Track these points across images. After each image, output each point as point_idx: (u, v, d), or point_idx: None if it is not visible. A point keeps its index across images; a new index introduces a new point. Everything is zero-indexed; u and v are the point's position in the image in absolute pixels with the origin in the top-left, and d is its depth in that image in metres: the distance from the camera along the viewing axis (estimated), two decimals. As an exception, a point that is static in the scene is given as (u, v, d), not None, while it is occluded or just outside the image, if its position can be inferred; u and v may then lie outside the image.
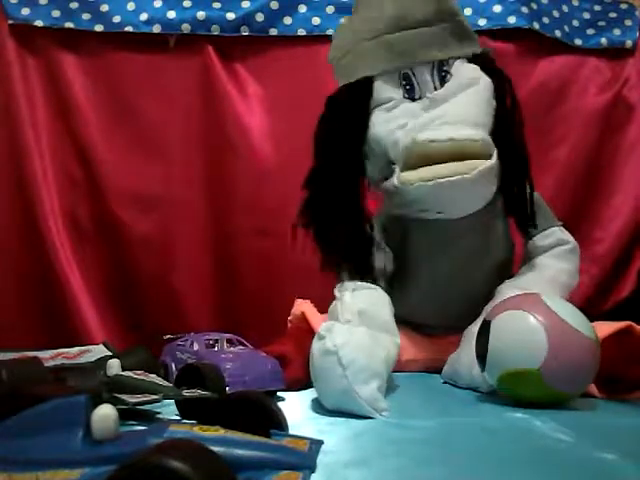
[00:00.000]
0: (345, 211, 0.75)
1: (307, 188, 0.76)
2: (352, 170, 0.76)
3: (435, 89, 0.73)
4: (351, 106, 0.75)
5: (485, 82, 0.73)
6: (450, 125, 0.68)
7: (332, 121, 0.76)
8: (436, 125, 0.69)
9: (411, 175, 0.69)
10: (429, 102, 0.72)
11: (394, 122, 0.73)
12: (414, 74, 0.74)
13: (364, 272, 0.74)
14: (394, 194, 0.74)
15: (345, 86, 0.76)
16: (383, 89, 0.75)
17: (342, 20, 0.84)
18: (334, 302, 0.68)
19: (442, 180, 0.66)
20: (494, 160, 0.68)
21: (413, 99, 0.74)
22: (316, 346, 0.56)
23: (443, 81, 0.74)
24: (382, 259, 0.78)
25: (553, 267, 0.77)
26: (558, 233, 0.80)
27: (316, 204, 0.75)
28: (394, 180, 0.71)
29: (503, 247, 0.81)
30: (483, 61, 0.76)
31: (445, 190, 0.67)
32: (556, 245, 0.78)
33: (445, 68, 0.74)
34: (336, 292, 0.71)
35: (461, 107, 0.71)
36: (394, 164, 0.72)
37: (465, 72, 0.74)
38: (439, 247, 0.77)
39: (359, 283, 0.71)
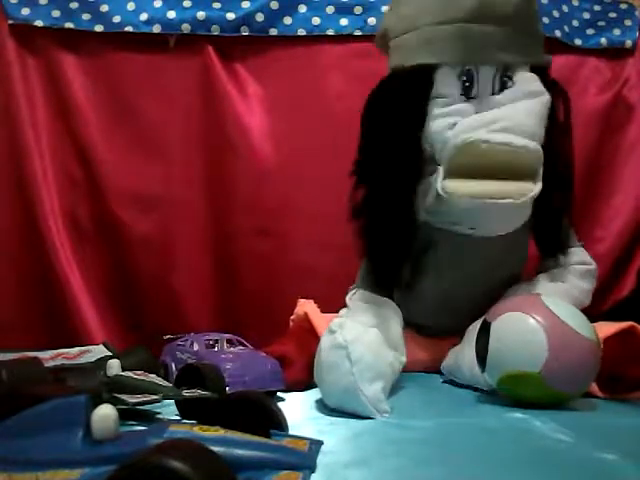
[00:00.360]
0: (399, 218, 0.72)
1: (361, 178, 0.73)
2: (412, 167, 0.72)
3: (493, 93, 0.71)
4: (409, 96, 0.71)
5: (545, 97, 0.70)
6: (505, 130, 0.66)
7: (390, 110, 0.71)
8: (490, 128, 0.66)
9: (459, 187, 0.66)
10: (484, 104, 0.69)
11: (446, 120, 0.69)
12: (477, 72, 0.71)
13: (385, 286, 0.72)
14: (430, 197, 0.71)
15: (401, 70, 0.72)
16: (443, 81, 0.70)
17: None
18: (345, 310, 0.68)
19: (490, 201, 0.65)
20: (540, 185, 0.66)
21: (468, 98, 0.71)
22: (326, 340, 0.56)
23: (504, 86, 0.71)
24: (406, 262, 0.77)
25: (570, 282, 0.76)
26: (580, 254, 0.79)
27: (373, 200, 0.72)
28: (437, 185, 0.68)
29: (519, 261, 0.81)
30: (543, 72, 0.73)
31: (489, 211, 0.66)
32: (578, 264, 0.78)
33: (509, 73, 0.71)
34: (348, 299, 0.71)
35: (519, 115, 0.67)
36: (438, 164, 0.69)
37: (527, 82, 0.70)
38: (459, 259, 0.76)
39: (372, 296, 0.71)
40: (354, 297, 0.75)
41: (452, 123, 0.69)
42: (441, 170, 0.68)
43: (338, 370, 0.53)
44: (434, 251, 0.77)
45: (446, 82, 0.70)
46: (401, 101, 0.71)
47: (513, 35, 0.70)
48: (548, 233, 0.78)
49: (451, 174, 0.67)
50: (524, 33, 0.71)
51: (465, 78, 0.71)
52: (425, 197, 0.72)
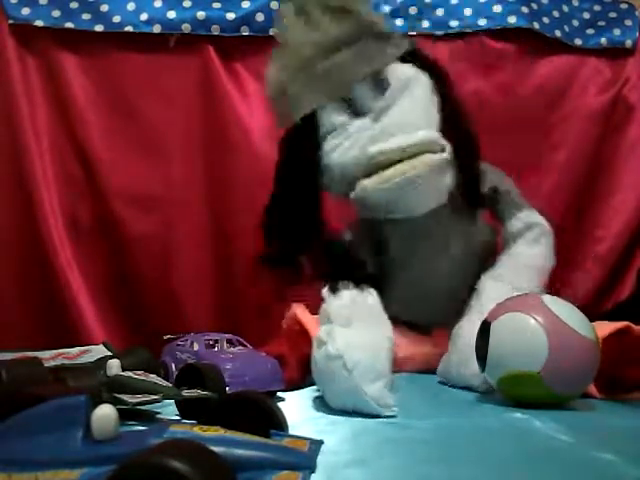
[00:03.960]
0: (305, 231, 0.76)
1: (267, 218, 0.78)
2: (311, 203, 0.77)
3: (375, 97, 0.74)
4: (301, 145, 0.76)
5: (421, 80, 0.74)
6: (399, 133, 0.70)
7: (286, 165, 0.78)
8: (385, 137, 0.70)
9: (367, 183, 0.70)
10: (374, 114, 0.73)
11: (345, 143, 0.74)
12: (354, 92, 0.75)
13: (342, 277, 0.73)
14: (358, 203, 0.75)
15: (290, 127, 0.77)
16: (327, 117, 0.75)
17: (269, 63, 0.81)
18: (322, 306, 0.69)
19: (396, 179, 0.68)
20: (445, 154, 0.70)
21: (358, 115, 0.75)
22: (318, 352, 0.56)
23: (383, 90, 0.74)
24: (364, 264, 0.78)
25: (526, 253, 0.77)
26: (526, 217, 0.79)
27: (277, 226, 0.77)
28: (356, 192, 0.72)
29: (478, 239, 0.81)
30: (414, 57, 0.77)
31: (399, 190, 0.69)
32: (526, 229, 0.78)
33: (381, 77, 0.74)
34: (324, 293, 0.71)
35: (404, 113, 0.72)
36: (357, 180, 0.73)
37: (400, 75, 0.74)
38: (412, 244, 0.78)
39: (344, 283, 0.72)
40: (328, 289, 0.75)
41: (352, 143, 0.73)
42: (358, 181, 0.72)
43: (337, 379, 0.54)
44: (388, 241, 0.80)
45: (330, 115, 0.75)
46: (295, 155, 0.77)
47: (363, 47, 0.74)
48: (471, 193, 0.79)
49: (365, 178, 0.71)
50: (369, 39, 0.75)
51: (346, 103, 0.75)
52: (357, 204, 0.76)
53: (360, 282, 0.71)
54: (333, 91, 0.74)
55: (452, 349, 0.71)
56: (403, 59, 0.76)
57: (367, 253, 0.80)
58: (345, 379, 0.53)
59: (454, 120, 0.75)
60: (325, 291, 0.71)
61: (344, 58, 0.73)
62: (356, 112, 0.75)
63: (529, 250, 0.77)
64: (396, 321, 0.75)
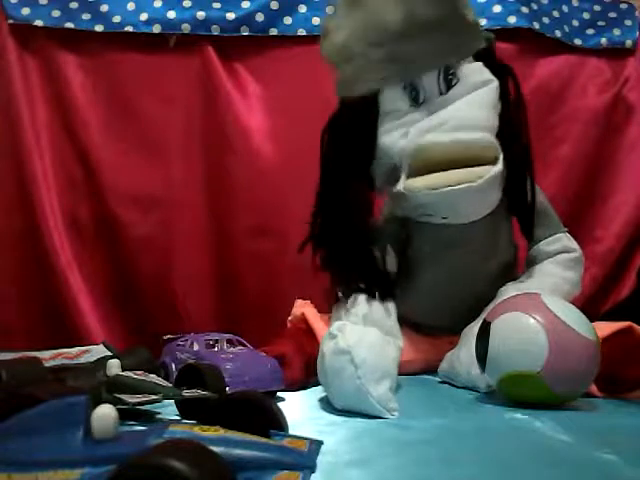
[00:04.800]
0: (358, 239, 0.73)
1: (318, 210, 0.74)
2: (364, 190, 0.74)
3: (441, 94, 0.71)
4: (358, 124, 0.73)
5: (491, 84, 0.71)
6: (454, 128, 0.67)
7: (340, 142, 0.74)
8: (440, 129, 0.68)
9: (417, 182, 0.68)
10: (433, 107, 0.70)
11: (399, 130, 0.71)
12: (420, 79, 0.71)
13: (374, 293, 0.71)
14: (400, 199, 0.73)
15: (347, 101, 0.73)
16: (389, 100, 0.72)
17: (332, 18, 0.75)
18: (337, 307, 0.68)
19: (448, 189, 0.66)
20: (500, 166, 0.67)
21: (418, 105, 0.72)
22: (327, 345, 0.55)
23: (450, 85, 0.71)
24: (387, 262, 0.76)
25: (557, 275, 0.76)
26: (564, 240, 0.79)
27: (329, 231, 0.73)
28: (400, 186, 0.70)
29: (506, 250, 0.80)
30: (488, 56, 0.74)
31: (451, 198, 0.67)
32: (561, 252, 0.78)
33: (451, 71, 0.71)
34: (340, 297, 0.70)
35: (465, 110, 0.69)
36: (400, 170, 0.71)
37: (472, 75, 0.71)
38: (442, 250, 0.77)
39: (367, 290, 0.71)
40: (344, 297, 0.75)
41: (404, 132, 0.70)
42: (402, 174, 0.70)
43: (343, 375, 0.53)
44: (417, 243, 0.78)
45: (392, 99, 0.72)
46: (350, 132, 0.73)
47: (445, 37, 0.70)
48: (520, 212, 0.78)
49: (411, 174, 0.69)
50: (455, 30, 0.71)
51: (411, 88, 0.72)
52: (397, 199, 0.74)
53: (383, 294, 0.70)
54: (404, 75, 0.71)
55: (462, 348, 0.71)
56: (477, 55, 0.73)
57: (389, 249, 0.77)
58: (351, 375, 0.53)
59: (512, 130, 0.73)
60: (343, 296, 0.70)
61: (422, 43, 0.69)
62: (415, 99, 0.72)
63: (561, 272, 0.76)
64: (405, 321, 0.75)
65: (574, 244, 0.79)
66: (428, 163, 0.67)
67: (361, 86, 0.71)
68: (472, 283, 0.77)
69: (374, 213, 0.77)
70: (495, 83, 0.71)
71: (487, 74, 0.72)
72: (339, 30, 0.72)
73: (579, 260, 0.79)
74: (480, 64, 0.73)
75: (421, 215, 0.74)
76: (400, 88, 0.72)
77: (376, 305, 0.68)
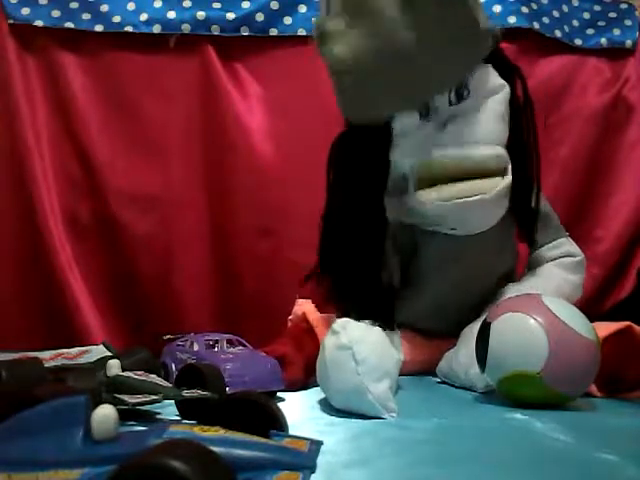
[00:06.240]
0: (367, 266, 0.72)
1: (326, 230, 0.74)
2: (378, 215, 0.73)
3: (450, 104, 0.70)
4: (371, 149, 0.71)
5: (501, 91, 0.70)
6: (465, 144, 0.67)
7: (352, 162, 0.72)
8: (451, 144, 0.68)
9: (430, 195, 0.68)
10: (443, 119, 0.70)
11: (409, 144, 0.71)
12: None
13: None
14: (409, 208, 0.72)
15: (356, 124, 0.71)
16: (399, 119, 0.71)
17: (332, 21, 0.65)
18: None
19: (461, 200, 0.66)
20: (509, 177, 0.67)
21: (428, 116, 0.70)
22: (329, 341, 0.55)
23: (460, 97, 0.70)
24: (392, 269, 0.77)
25: (559, 277, 0.77)
26: (566, 245, 0.79)
27: (337, 261, 0.73)
28: (411, 199, 0.70)
29: (510, 257, 0.81)
30: (496, 56, 0.72)
31: (463, 210, 0.67)
32: (564, 256, 0.78)
33: (462, 82, 0.70)
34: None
35: (475, 124, 0.68)
36: (409, 181, 0.71)
37: (482, 83, 0.70)
38: (448, 259, 0.76)
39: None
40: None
41: (415, 146, 0.70)
42: (411, 184, 0.70)
43: (344, 370, 0.53)
44: (423, 252, 0.78)
45: (404, 120, 0.71)
46: (364, 158, 0.72)
47: (460, 52, 0.67)
48: (526, 221, 0.78)
49: (422, 186, 0.69)
50: (470, 42, 0.67)
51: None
52: (406, 208, 0.73)
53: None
54: (422, 98, 0.69)
55: (461, 348, 0.71)
56: (486, 59, 0.71)
57: (394, 256, 0.77)
58: (351, 370, 0.53)
59: (520, 137, 0.73)
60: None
61: (443, 63, 0.65)
62: (427, 117, 0.71)
63: (563, 275, 0.77)
64: (406, 327, 0.75)
65: (576, 248, 0.80)
66: (438, 176, 0.68)
67: (376, 113, 0.69)
68: (474, 291, 0.77)
69: (385, 240, 0.75)
70: (506, 89, 0.71)
71: (497, 79, 0.71)
72: (344, 39, 0.63)
73: (581, 264, 0.79)
74: (489, 67, 0.72)
75: (429, 225, 0.74)
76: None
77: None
